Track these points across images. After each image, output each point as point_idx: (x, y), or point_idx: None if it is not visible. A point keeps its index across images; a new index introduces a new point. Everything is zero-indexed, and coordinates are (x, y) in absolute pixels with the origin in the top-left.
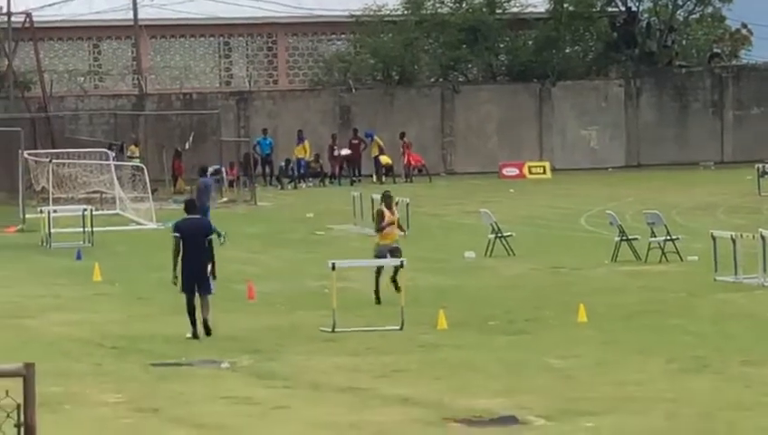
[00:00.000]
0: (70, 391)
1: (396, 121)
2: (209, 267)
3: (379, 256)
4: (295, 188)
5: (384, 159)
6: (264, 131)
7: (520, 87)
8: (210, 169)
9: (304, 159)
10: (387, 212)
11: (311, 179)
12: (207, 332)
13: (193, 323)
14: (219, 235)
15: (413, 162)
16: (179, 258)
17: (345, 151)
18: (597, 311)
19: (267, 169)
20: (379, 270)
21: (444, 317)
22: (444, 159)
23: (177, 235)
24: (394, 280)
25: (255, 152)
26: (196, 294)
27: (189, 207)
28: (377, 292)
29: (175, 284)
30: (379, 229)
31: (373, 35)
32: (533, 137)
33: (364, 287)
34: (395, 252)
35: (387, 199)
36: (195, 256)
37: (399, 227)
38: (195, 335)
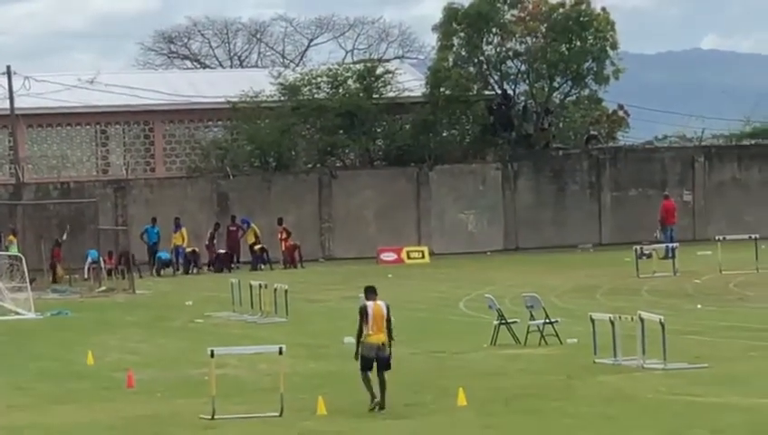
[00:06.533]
0: None
1: (274, 208)
2: None
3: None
4: (174, 275)
5: (257, 248)
6: (154, 220)
7: (397, 171)
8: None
9: (182, 246)
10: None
11: (194, 268)
12: None
13: None
14: None
15: (285, 249)
16: None
17: (221, 251)
18: (477, 395)
19: (153, 259)
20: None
21: (323, 403)
22: (322, 245)
23: None
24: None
25: (143, 240)
26: None
27: None
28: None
29: None
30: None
31: (250, 122)
32: (412, 221)
33: (243, 374)
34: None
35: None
36: None
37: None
38: None
